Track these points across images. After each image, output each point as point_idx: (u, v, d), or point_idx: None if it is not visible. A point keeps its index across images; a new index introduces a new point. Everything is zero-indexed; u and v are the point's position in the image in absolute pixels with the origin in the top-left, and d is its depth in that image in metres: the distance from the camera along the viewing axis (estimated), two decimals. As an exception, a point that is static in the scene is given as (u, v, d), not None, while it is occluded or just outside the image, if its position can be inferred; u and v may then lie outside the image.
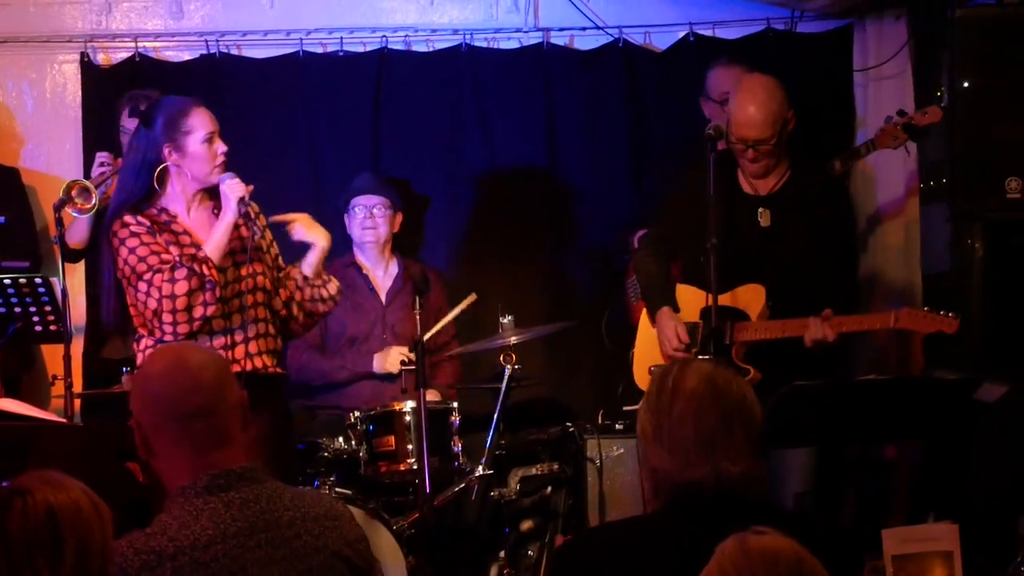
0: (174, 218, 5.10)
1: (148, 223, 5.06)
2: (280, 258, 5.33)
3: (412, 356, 6.05)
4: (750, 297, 5.57)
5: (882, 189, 6.77)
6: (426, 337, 5.79)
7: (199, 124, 5.07)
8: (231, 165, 5.13)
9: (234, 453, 3.03)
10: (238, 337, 5.11)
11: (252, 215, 5.12)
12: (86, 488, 2.59)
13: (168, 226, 5.08)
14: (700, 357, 5.47)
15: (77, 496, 2.54)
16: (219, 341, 5.09)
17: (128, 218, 5.06)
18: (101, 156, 6.25)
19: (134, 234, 5.02)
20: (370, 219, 6.58)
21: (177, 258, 4.98)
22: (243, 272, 5.12)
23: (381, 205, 6.60)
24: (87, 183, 5.79)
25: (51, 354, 6.66)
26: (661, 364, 5.58)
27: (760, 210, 5.68)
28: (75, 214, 5.80)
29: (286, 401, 5.46)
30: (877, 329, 5.31)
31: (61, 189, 5.67)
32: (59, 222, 5.69)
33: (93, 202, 5.75)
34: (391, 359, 6.35)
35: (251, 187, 5.09)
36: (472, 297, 6.34)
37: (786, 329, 5.46)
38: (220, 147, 5.11)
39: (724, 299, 5.53)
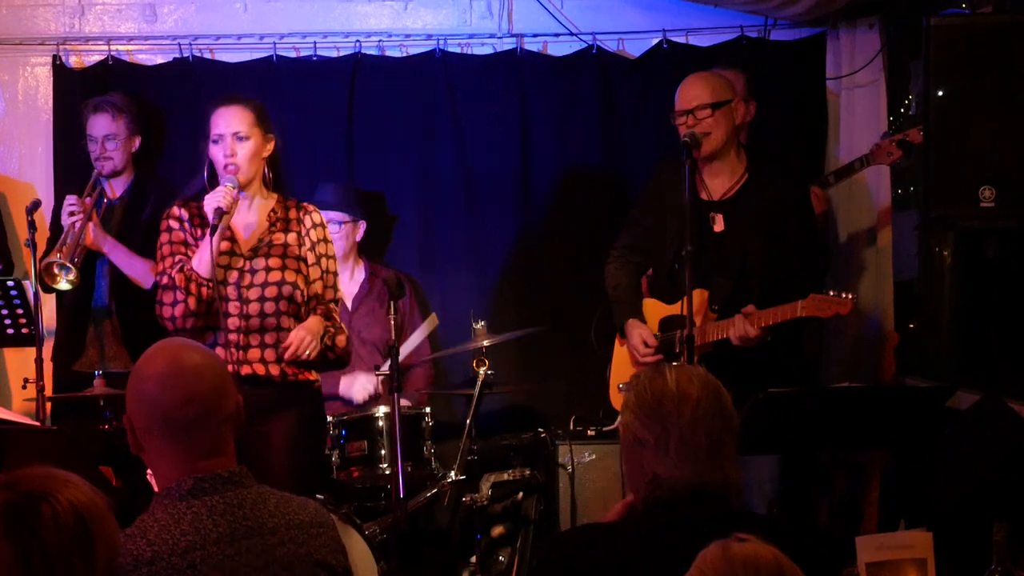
0: None
1: (188, 215, 5.26)
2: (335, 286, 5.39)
3: (378, 388, 6.13)
4: (694, 303, 5.54)
5: (856, 196, 6.77)
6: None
7: (212, 125, 5.24)
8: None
9: (224, 460, 2.97)
10: (220, 339, 5.13)
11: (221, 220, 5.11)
12: (85, 480, 2.52)
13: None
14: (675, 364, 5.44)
15: (90, 492, 2.47)
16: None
17: (174, 208, 5.30)
18: (70, 203, 6.11)
19: (169, 228, 5.26)
20: None
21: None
22: (226, 277, 5.17)
23: (337, 221, 6.52)
24: (63, 261, 5.77)
25: (12, 359, 6.65)
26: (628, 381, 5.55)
27: (712, 215, 5.66)
28: (65, 286, 5.79)
29: (313, 406, 5.38)
30: (789, 319, 5.31)
31: (41, 267, 5.71)
32: (31, 225, 5.66)
33: (74, 275, 5.77)
34: (357, 388, 6.33)
35: (231, 196, 5.10)
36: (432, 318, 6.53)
37: (719, 331, 5.46)
38: (224, 150, 5.18)
39: (674, 308, 5.53)
